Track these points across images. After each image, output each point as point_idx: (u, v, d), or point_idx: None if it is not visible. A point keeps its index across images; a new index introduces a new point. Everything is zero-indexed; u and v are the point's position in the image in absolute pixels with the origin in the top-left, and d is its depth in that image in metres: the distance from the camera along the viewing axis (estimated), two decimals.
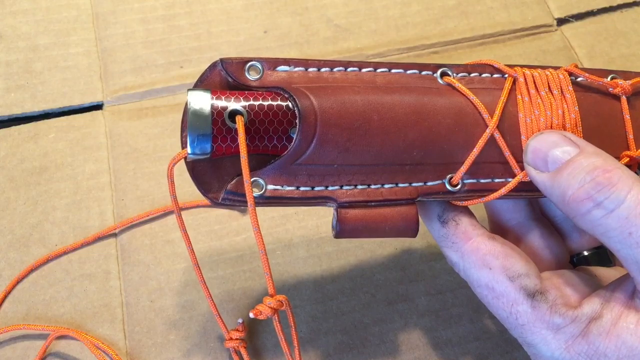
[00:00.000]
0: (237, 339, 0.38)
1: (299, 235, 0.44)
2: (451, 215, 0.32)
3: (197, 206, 0.44)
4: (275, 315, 0.31)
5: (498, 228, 0.36)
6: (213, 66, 0.30)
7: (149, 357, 0.39)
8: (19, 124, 0.47)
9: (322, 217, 0.45)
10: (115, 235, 0.43)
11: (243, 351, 0.38)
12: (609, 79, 0.34)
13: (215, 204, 0.30)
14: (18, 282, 0.41)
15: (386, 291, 0.42)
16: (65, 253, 0.42)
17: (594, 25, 0.55)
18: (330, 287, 0.42)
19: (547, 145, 0.29)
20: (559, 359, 0.28)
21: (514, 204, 0.35)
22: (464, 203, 0.32)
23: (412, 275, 0.43)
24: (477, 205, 0.32)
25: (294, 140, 0.29)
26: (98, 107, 0.48)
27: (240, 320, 0.39)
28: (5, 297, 0.41)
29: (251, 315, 0.31)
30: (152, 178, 0.45)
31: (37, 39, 0.50)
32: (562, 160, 0.28)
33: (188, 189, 0.44)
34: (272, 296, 0.30)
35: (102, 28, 0.51)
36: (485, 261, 0.30)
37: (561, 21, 0.56)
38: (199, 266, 0.33)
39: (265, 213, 0.44)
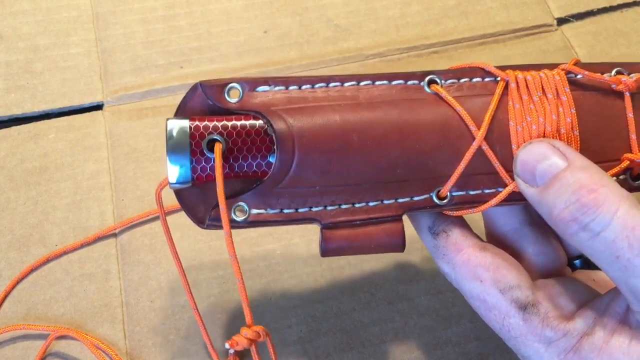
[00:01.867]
0: None
1: (298, 235, 0.44)
2: (442, 227, 0.31)
3: None
4: (253, 346, 0.30)
5: (493, 234, 0.35)
6: (194, 89, 0.30)
7: (149, 357, 0.39)
8: (19, 124, 0.47)
9: None
10: (115, 235, 0.43)
11: None
12: (613, 72, 0.32)
13: (201, 227, 0.30)
14: (18, 282, 0.41)
15: (386, 291, 0.42)
16: (65, 253, 0.42)
17: (594, 25, 0.55)
18: (330, 287, 0.42)
19: (535, 158, 0.28)
20: None
21: (508, 210, 0.34)
22: (455, 213, 0.31)
23: (412, 275, 0.43)
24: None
25: (272, 166, 0.29)
26: (98, 107, 0.48)
27: (232, 351, 0.38)
28: (5, 297, 0.41)
29: (227, 346, 0.30)
30: (152, 178, 0.45)
31: (37, 40, 0.50)
32: (550, 175, 0.27)
33: None
34: (249, 326, 0.30)
35: (102, 28, 0.51)
36: (475, 274, 0.30)
37: (561, 21, 0.56)
38: (188, 284, 0.34)
39: None
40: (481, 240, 0.32)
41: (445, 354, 0.40)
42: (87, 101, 0.48)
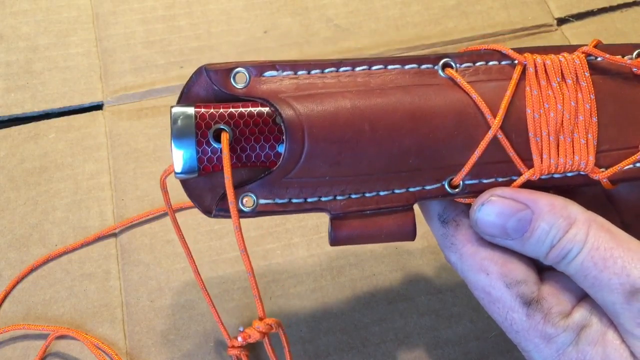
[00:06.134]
0: (239, 347, 0.37)
1: (299, 235, 0.44)
2: (452, 216, 0.31)
3: None
4: (266, 338, 0.30)
5: None
6: (199, 73, 0.29)
7: (149, 357, 0.39)
8: (19, 124, 0.47)
9: (322, 217, 0.45)
10: (115, 235, 0.43)
11: None
12: (634, 55, 0.31)
13: (208, 216, 0.29)
14: (18, 282, 0.41)
15: (386, 291, 0.42)
16: (65, 253, 0.42)
17: (594, 25, 0.55)
18: (330, 287, 0.42)
19: (500, 219, 0.29)
20: None
21: None
22: (467, 201, 0.30)
23: (412, 275, 0.43)
24: None
25: (281, 157, 0.28)
26: (98, 107, 0.48)
27: (241, 328, 0.38)
28: (5, 297, 0.41)
29: (239, 339, 0.30)
30: (152, 178, 0.45)
31: (37, 40, 0.50)
32: (523, 229, 0.28)
33: None
34: (261, 319, 0.29)
35: (102, 28, 0.51)
36: (482, 266, 0.30)
37: (561, 21, 0.56)
38: (199, 273, 0.33)
39: None
40: None
41: (446, 353, 0.40)
42: (87, 101, 0.48)
